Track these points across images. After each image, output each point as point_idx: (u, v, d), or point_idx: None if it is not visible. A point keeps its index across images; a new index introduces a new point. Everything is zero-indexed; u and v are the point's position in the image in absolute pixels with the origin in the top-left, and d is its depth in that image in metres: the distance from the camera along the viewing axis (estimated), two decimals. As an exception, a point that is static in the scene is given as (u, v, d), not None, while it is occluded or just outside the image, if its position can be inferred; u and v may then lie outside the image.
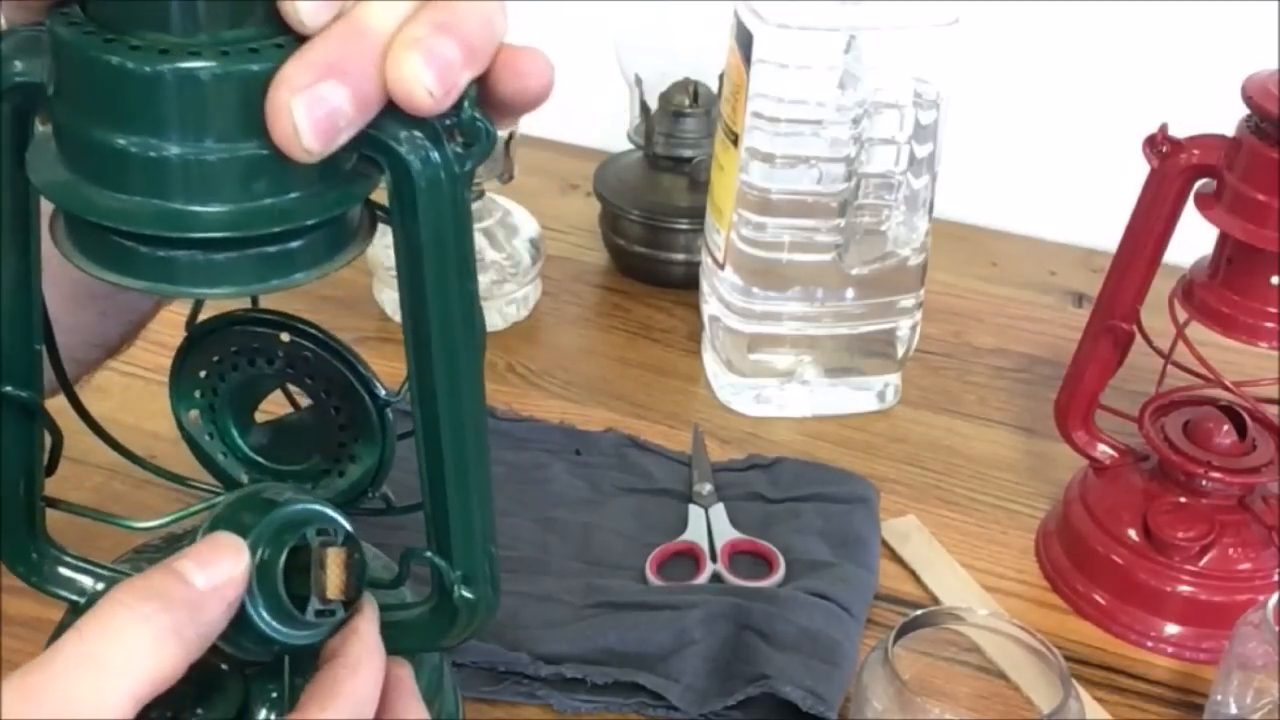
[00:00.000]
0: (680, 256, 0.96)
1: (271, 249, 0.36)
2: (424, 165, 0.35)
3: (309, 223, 0.35)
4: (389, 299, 0.89)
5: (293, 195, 0.35)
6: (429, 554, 0.42)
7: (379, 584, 0.45)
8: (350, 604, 0.40)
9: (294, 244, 0.36)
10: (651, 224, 0.96)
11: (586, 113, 1.08)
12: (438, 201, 0.36)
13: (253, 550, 0.38)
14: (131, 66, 0.33)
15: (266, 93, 0.33)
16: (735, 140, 0.79)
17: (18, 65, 0.35)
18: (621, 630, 0.65)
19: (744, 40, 0.77)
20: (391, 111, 0.34)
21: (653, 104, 0.96)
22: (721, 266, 0.83)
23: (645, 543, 0.73)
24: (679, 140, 0.96)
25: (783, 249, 0.81)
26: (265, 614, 0.39)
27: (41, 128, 0.36)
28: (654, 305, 0.96)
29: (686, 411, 0.85)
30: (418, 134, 0.35)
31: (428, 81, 0.33)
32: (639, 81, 0.97)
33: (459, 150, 0.36)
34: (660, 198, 0.96)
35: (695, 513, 0.75)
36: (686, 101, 0.96)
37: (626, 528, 0.74)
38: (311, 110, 0.33)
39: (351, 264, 0.38)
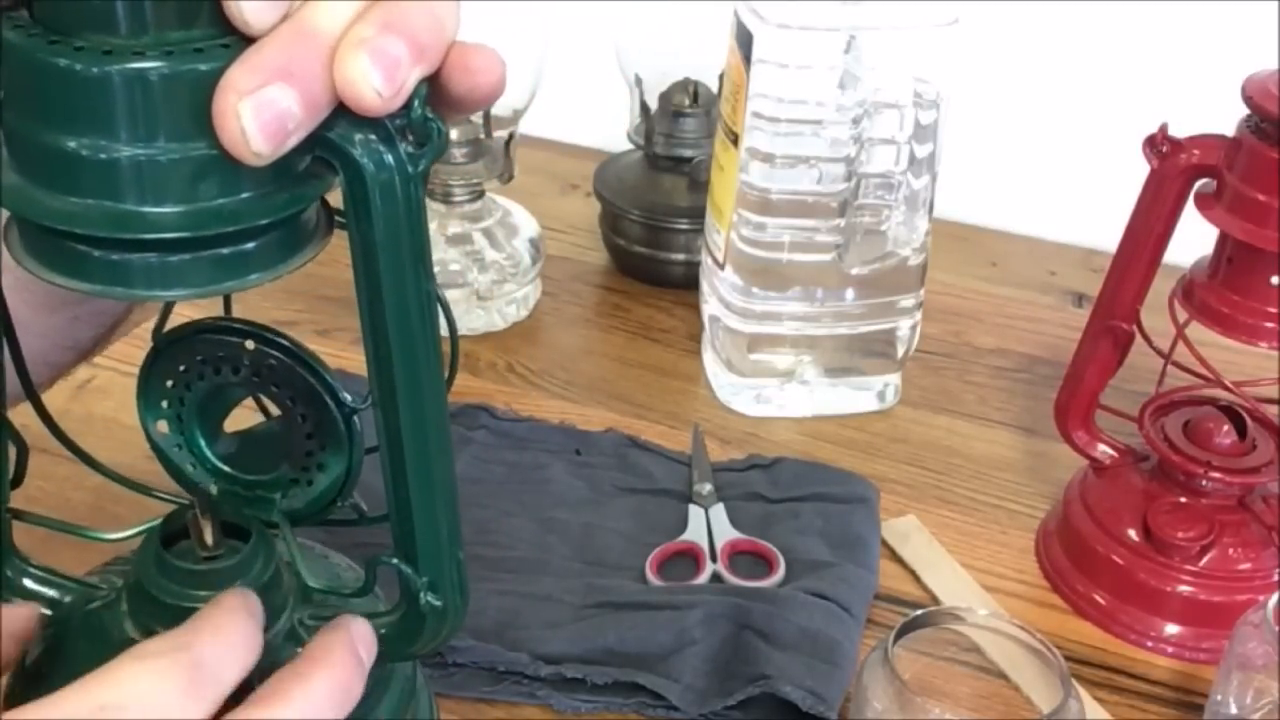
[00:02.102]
0: (680, 256, 0.96)
1: (226, 250, 0.36)
2: (377, 167, 0.35)
3: (263, 223, 0.35)
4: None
5: (245, 195, 0.35)
6: (395, 561, 0.42)
7: (346, 593, 0.45)
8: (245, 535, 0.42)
9: (248, 245, 0.36)
10: (651, 224, 0.96)
11: (586, 113, 1.08)
12: (391, 202, 0.36)
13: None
14: (79, 69, 0.33)
15: (213, 96, 0.33)
16: (735, 140, 0.79)
17: None
18: (621, 630, 0.65)
19: (744, 40, 0.77)
20: (343, 112, 0.34)
21: (653, 104, 0.96)
22: (721, 266, 0.83)
23: (645, 543, 0.73)
24: (679, 140, 0.96)
25: (783, 249, 0.81)
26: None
27: None
28: (654, 305, 0.96)
29: (686, 411, 0.85)
30: (370, 135, 0.35)
31: (375, 82, 0.33)
32: (639, 81, 0.97)
33: (411, 150, 0.36)
34: (660, 198, 0.96)
35: (695, 513, 0.75)
36: (686, 101, 0.96)
37: (626, 528, 0.74)
38: (260, 113, 0.32)
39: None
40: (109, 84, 0.33)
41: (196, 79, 0.33)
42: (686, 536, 0.73)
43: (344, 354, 0.84)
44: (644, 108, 0.97)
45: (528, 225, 0.94)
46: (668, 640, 0.65)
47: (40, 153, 0.34)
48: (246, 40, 0.33)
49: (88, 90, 0.33)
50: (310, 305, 0.88)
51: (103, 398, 0.74)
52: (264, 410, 0.48)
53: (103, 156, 0.33)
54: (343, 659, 0.41)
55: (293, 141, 0.33)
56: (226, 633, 0.39)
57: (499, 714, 0.64)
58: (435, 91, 0.36)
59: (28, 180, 0.35)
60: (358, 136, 0.35)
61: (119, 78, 0.33)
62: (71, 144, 0.33)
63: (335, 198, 0.38)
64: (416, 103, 0.35)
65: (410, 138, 0.35)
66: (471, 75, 0.37)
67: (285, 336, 0.44)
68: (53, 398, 0.46)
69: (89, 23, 0.33)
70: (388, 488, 0.41)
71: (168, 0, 0.33)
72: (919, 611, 0.60)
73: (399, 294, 0.38)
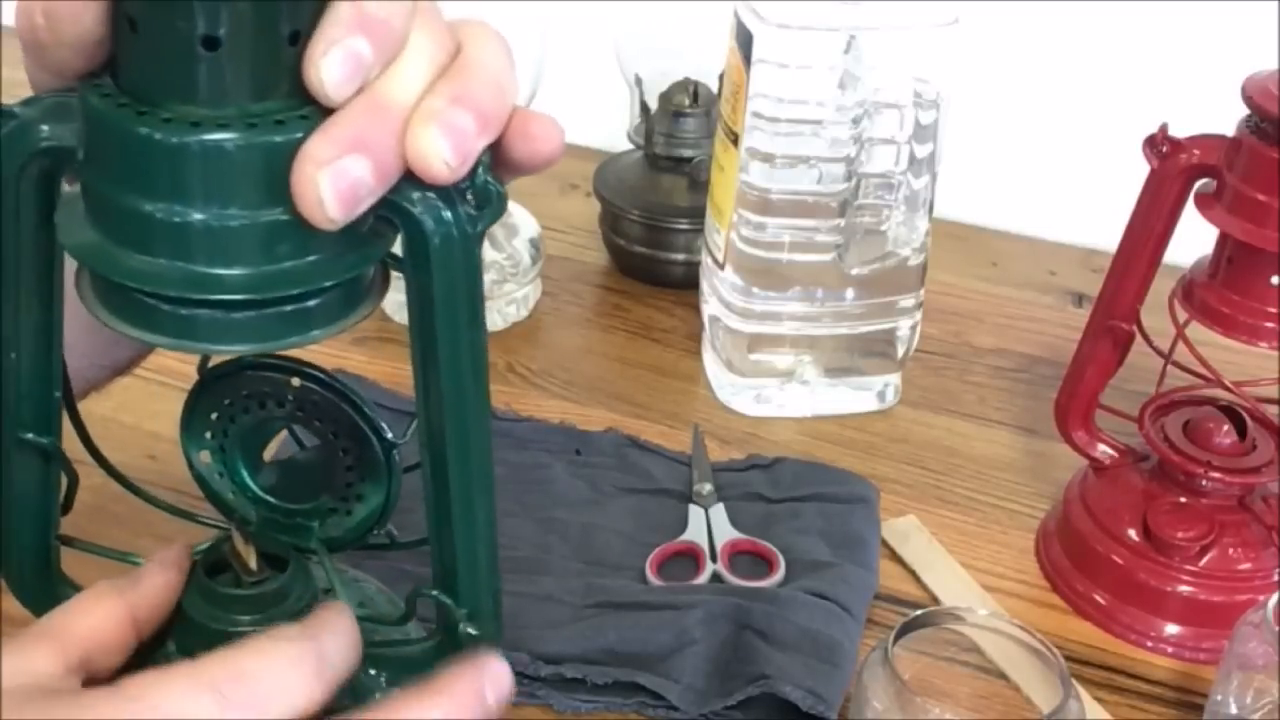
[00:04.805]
0: (680, 256, 0.96)
1: (289, 308, 0.37)
2: (437, 225, 0.37)
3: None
4: (390, 300, 0.89)
5: (312, 258, 0.36)
6: (435, 593, 0.44)
7: (385, 621, 0.46)
8: (281, 562, 0.43)
9: (311, 303, 0.37)
10: (651, 224, 0.96)
11: (586, 113, 1.08)
12: (450, 260, 0.37)
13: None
14: (159, 138, 0.34)
15: (292, 165, 0.34)
16: (735, 140, 0.79)
17: (45, 130, 0.37)
18: (621, 630, 0.65)
19: (744, 40, 0.77)
20: (408, 175, 0.36)
21: (653, 104, 0.96)
22: (721, 266, 0.83)
23: (645, 543, 0.73)
24: (679, 140, 0.96)
25: (783, 249, 0.81)
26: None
27: (68, 188, 0.38)
28: (654, 305, 0.96)
29: (686, 411, 0.85)
30: (431, 195, 0.37)
31: (445, 154, 0.35)
32: (639, 81, 0.97)
33: (471, 211, 0.37)
34: (660, 198, 0.96)
35: (695, 513, 0.75)
36: (686, 101, 0.96)
37: (626, 528, 0.74)
38: (336, 183, 0.34)
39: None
40: (189, 153, 0.34)
41: (272, 149, 0.34)
42: (686, 536, 0.73)
43: (344, 354, 0.84)
44: (644, 108, 0.97)
45: (528, 225, 0.94)
46: (668, 640, 0.65)
47: (118, 213, 0.35)
48: (325, 110, 0.35)
49: (170, 159, 0.34)
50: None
51: (103, 398, 0.74)
52: (296, 439, 0.49)
53: (177, 220, 0.35)
54: (465, 696, 0.41)
55: (364, 207, 0.35)
56: (344, 631, 0.41)
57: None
58: (496, 155, 0.38)
59: (104, 237, 0.36)
60: (418, 196, 0.37)
61: (198, 147, 0.34)
62: (149, 207, 0.35)
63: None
64: (480, 168, 0.37)
65: (470, 200, 0.37)
66: (531, 141, 0.39)
67: (327, 373, 0.45)
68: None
69: (175, 93, 0.34)
70: (430, 523, 0.43)
71: (256, 74, 0.34)
72: (919, 611, 0.60)
73: (453, 344, 0.39)
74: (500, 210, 0.38)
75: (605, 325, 0.94)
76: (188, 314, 0.36)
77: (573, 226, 1.04)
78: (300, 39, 0.35)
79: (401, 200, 0.36)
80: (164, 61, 0.34)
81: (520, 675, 0.64)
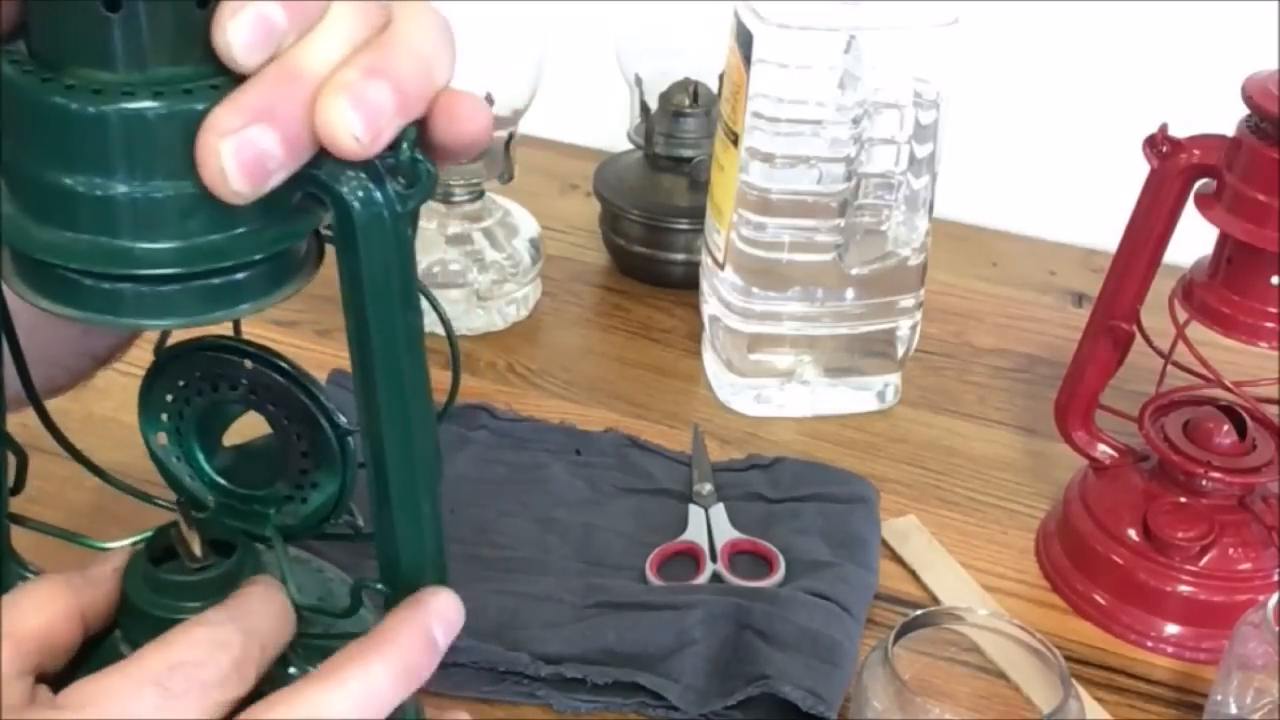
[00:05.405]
0: (680, 256, 0.96)
1: (217, 281, 0.36)
2: (364, 205, 0.36)
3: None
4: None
5: (237, 231, 0.35)
6: (379, 586, 0.43)
7: (333, 613, 0.45)
8: (229, 548, 0.43)
9: (239, 275, 0.36)
10: (651, 224, 0.96)
11: (586, 113, 1.08)
12: (380, 239, 0.36)
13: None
14: (75, 108, 0.33)
15: (196, 134, 0.33)
16: (735, 140, 0.79)
17: None
18: (621, 630, 0.65)
19: (744, 40, 0.77)
20: (327, 152, 0.35)
21: (653, 104, 0.96)
22: (721, 266, 0.83)
23: (645, 543, 0.73)
24: (679, 140, 0.96)
25: (783, 249, 0.81)
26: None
27: None
28: (654, 305, 0.96)
29: (686, 411, 0.85)
30: (359, 174, 0.35)
31: (354, 128, 0.34)
32: (639, 81, 0.97)
33: (400, 190, 0.36)
34: (660, 198, 0.96)
35: (695, 513, 0.75)
36: (686, 101, 0.96)
37: (626, 528, 0.74)
38: (240, 153, 0.33)
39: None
40: (107, 124, 0.33)
41: (190, 118, 0.33)
42: (686, 536, 0.73)
43: (344, 355, 0.84)
44: (644, 108, 0.97)
45: (528, 225, 0.94)
46: (668, 640, 0.65)
47: (36, 187, 0.34)
48: (236, 79, 0.34)
49: (84, 129, 0.33)
50: (310, 305, 0.87)
51: (102, 398, 0.74)
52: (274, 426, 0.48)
53: (98, 193, 0.34)
54: (411, 639, 0.40)
55: (274, 181, 0.34)
56: (270, 605, 0.40)
57: (499, 714, 0.64)
58: (420, 135, 0.37)
59: (24, 212, 0.35)
60: (345, 174, 0.35)
61: (117, 117, 0.33)
62: (67, 180, 0.34)
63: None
64: (405, 145, 0.35)
65: (400, 178, 0.36)
66: (455, 122, 0.37)
67: (283, 358, 0.44)
68: (54, 398, 0.47)
69: (84, 58, 0.33)
70: (373, 513, 0.42)
71: (164, 37, 0.33)
72: (919, 611, 0.60)
73: (386, 328, 0.38)
74: (430, 189, 0.36)
75: (605, 325, 0.94)
76: (110, 288, 0.35)
77: (573, 226, 1.04)
78: (210, 2, 0.33)
79: (326, 177, 0.35)
80: (66, 24, 0.33)
81: (520, 675, 0.64)
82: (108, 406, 0.76)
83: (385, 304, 0.38)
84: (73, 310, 0.36)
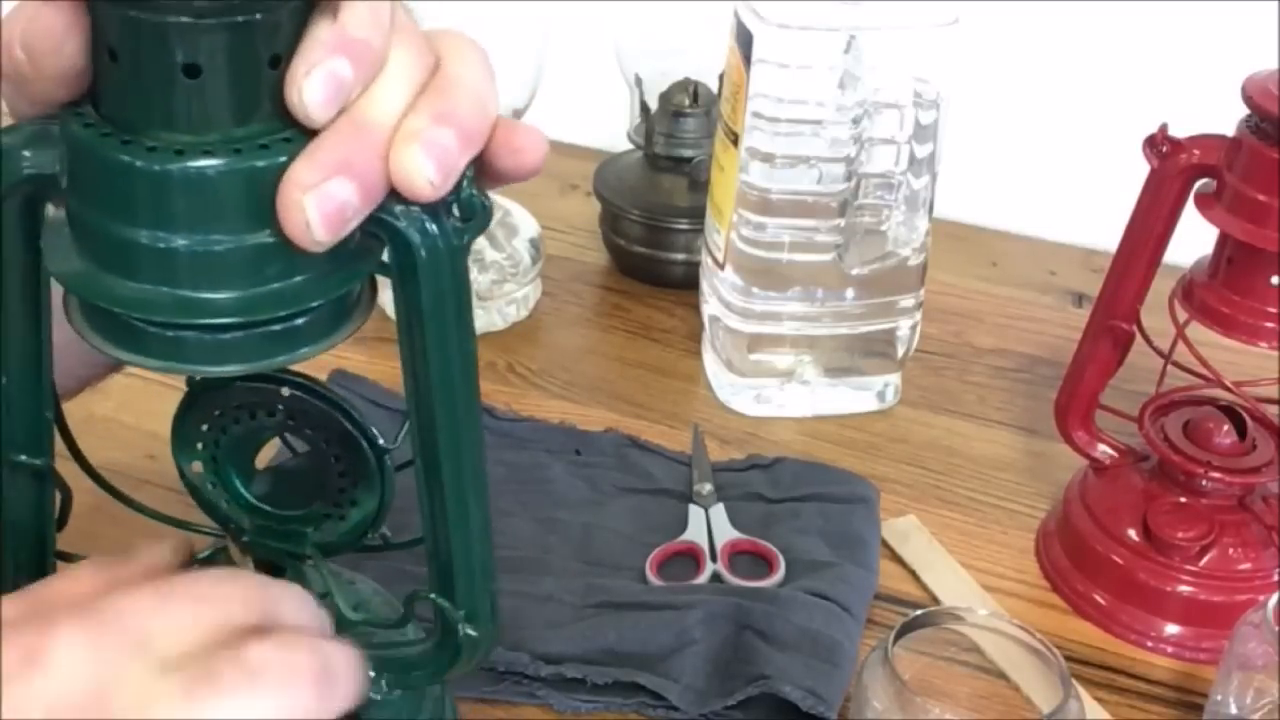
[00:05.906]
0: (680, 256, 0.96)
1: (278, 327, 0.37)
2: (423, 239, 0.37)
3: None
4: (388, 300, 0.89)
5: (299, 279, 0.36)
6: (433, 596, 0.44)
7: (382, 623, 0.46)
8: (278, 570, 0.45)
9: (299, 321, 0.38)
10: (651, 224, 0.96)
11: (586, 113, 1.08)
12: (437, 273, 0.38)
13: None
14: (142, 166, 0.34)
15: (277, 189, 0.35)
16: (735, 140, 0.79)
17: (28, 157, 0.37)
18: (621, 630, 0.65)
19: (744, 40, 0.77)
20: (392, 191, 0.36)
21: (653, 104, 0.96)
22: (721, 266, 0.83)
23: (645, 543, 0.73)
24: (679, 140, 0.96)
25: (783, 249, 0.81)
26: None
27: (54, 212, 0.38)
28: (654, 305, 0.96)
29: (686, 411, 0.85)
30: (416, 210, 0.37)
31: (429, 173, 0.36)
32: (639, 81, 0.97)
33: (457, 224, 0.38)
34: (660, 198, 0.96)
35: (695, 513, 0.75)
36: (686, 101, 0.96)
37: (626, 528, 0.74)
38: (322, 206, 0.35)
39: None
40: (172, 181, 0.34)
41: (255, 174, 0.35)
42: (686, 536, 0.73)
43: (344, 354, 0.84)
44: (644, 108, 0.97)
45: (528, 225, 0.94)
46: (668, 640, 0.65)
47: (105, 240, 0.36)
48: (307, 131, 0.35)
49: (155, 187, 0.34)
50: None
51: (103, 398, 0.74)
52: (288, 444, 0.49)
53: (162, 246, 0.35)
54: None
55: (350, 228, 0.36)
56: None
57: (499, 714, 0.64)
58: (481, 167, 0.39)
59: (92, 264, 0.36)
60: (403, 210, 0.37)
61: (181, 175, 0.34)
62: (134, 234, 0.35)
63: None
64: (465, 182, 0.37)
65: (456, 212, 0.37)
66: (516, 154, 0.39)
67: (317, 381, 0.45)
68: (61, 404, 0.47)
69: (157, 121, 0.35)
70: (425, 528, 0.43)
71: (238, 99, 0.35)
72: (919, 611, 0.60)
73: (442, 354, 0.40)
74: (485, 222, 0.38)
75: (605, 325, 0.94)
76: (175, 336, 0.37)
77: (573, 226, 1.04)
78: (281, 62, 0.35)
79: (387, 216, 0.37)
80: (146, 90, 0.35)
81: (520, 675, 0.64)
82: (108, 407, 0.76)
83: (442, 332, 0.39)
84: (139, 357, 0.37)
